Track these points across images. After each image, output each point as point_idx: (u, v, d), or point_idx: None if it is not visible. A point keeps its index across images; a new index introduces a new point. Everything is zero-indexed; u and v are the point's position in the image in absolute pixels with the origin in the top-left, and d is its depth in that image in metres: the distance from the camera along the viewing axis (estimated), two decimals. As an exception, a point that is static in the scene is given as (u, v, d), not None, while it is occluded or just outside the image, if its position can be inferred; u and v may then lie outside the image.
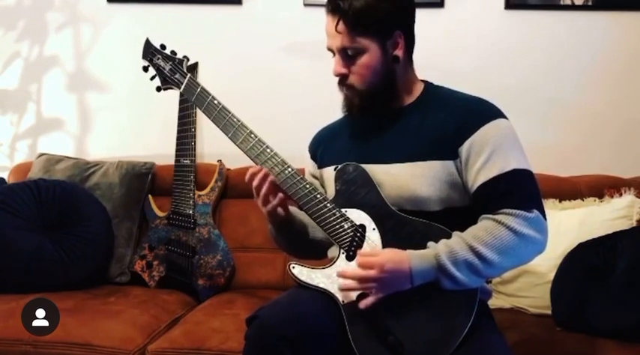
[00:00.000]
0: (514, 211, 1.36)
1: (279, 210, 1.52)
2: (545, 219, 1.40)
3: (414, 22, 1.53)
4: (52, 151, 2.64)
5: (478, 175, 1.42)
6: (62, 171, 2.50)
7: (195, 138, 2.38)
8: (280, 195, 1.50)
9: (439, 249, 1.36)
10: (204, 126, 2.50)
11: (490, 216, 1.39)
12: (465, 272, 1.34)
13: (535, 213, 1.37)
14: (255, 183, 1.50)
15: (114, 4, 2.67)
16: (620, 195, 2.14)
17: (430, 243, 1.39)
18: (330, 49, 1.52)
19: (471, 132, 1.44)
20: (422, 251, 1.37)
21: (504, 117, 1.48)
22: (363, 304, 1.36)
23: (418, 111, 1.53)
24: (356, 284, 1.37)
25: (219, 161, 2.45)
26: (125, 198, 2.43)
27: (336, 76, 1.52)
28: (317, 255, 1.68)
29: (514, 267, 1.43)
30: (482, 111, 1.48)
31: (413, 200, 1.46)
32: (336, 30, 1.46)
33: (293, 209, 1.59)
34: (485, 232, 1.36)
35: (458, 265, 1.34)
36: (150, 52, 1.66)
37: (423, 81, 1.60)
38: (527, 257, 1.40)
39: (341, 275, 1.39)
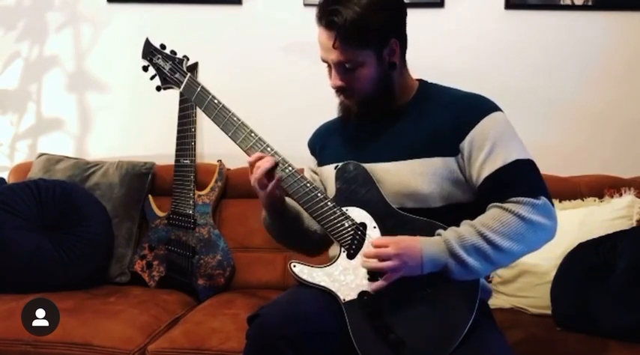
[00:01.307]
0: (521, 199, 1.38)
1: (277, 192, 1.51)
2: (553, 205, 1.42)
3: (406, 24, 1.52)
4: (52, 151, 2.65)
5: (482, 169, 1.43)
6: (62, 171, 2.50)
7: (195, 138, 2.38)
8: (274, 181, 1.49)
9: (448, 235, 1.37)
10: (204, 126, 2.51)
11: (498, 204, 1.40)
12: (475, 256, 1.35)
13: (543, 199, 1.39)
14: (251, 159, 1.50)
15: (114, 4, 2.68)
16: (620, 195, 2.14)
17: (439, 231, 1.40)
18: (324, 61, 1.50)
19: (470, 128, 1.45)
20: (432, 237, 1.39)
21: (500, 110, 1.49)
22: (374, 286, 1.37)
23: (414, 110, 1.53)
24: (375, 262, 1.38)
25: (219, 161, 2.45)
26: (125, 198, 2.43)
27: (335, 88, 1.51)
28: (310, 247, 1.69)
29: (525, 254, 1.42)
30: (478, 106, 1.49)
31: (414, 197, 1.46)
32: (333, 46, 1.44)
33: (287, 198, 1.59)
34: (492, 219, 1.37)
35: (467, 250, 1.35)
36: (150, 51, 1.66)
37: (417, 79, 1.60)
38: (537, 243, 1.41)
39: (364, 254, 1.40)
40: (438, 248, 1.36)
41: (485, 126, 1.44)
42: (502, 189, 1.41)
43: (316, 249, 1.70)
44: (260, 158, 1.49)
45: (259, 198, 1.54)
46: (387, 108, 1.54)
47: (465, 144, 1.45)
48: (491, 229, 1.36)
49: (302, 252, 1.73)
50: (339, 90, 1.52)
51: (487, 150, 1.42)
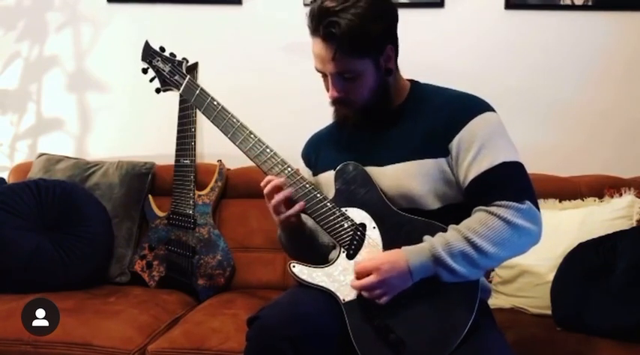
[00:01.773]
0: (506, 203, 1.37)
1: (292, 218, 1.52)
2: (539, 209, 1.40)
3: (397, 28, 1.51)
4: (52, 151, 2.65)
5: (469, 171, 1.42)
6: (62, 171, 2.50)
7: (195, 138, 2.38)
8: (296, 207, 1.49)
9: (435, 242, 1.36)
10: (204, 126, 2.50)
11: (483, 207, 1.39)
12: (462, 263, 1.35)
13: (527, 204, 1.38)
14: (265, 190, 1.50)
15: (114, 4, 2.68)
16: (620, 195, 2.14)
17: (426, 237, 1.39)
18: (320, 71, 1.49)
19: (459, 128, 1.44)
20: (418, 246, 1.38)
21: (492, 109, 1.48)
22: (383, 301, 1.37)
23: (408, 112, 1.53)
24: (365, 293, 1.38)
25: (219, 161, 2.45)
26: (125, 198, 2.44)
27: (333, 99, 1.50)
28: (322, 259, 1.67)
29: (510, 258, 1.42)
30: (469, 106, 1.48)
31: (410, 198, 1.46)
32: (332, 59, 1.42)
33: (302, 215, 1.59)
34: (479, 224, 1.36)
35: (454, 257, 1.34)
36: (149, 54, 1.66)
37: (408, 80, 1.59)
38: (522, 248, 1.41)
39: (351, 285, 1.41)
40: (425, 256, 1.35)
41: (475, 126, 1.43)
42: (488, 192, 1.39)
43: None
44: (271, 183, 1.50)
45: (276, 220, 1.54)
46: (383, 112, 1.54)
47: (454, 144, 1.44)
48: (477, 234, 1.35)
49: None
50: (337, 101, 1.50)
51: (474, 151, 1.41)
